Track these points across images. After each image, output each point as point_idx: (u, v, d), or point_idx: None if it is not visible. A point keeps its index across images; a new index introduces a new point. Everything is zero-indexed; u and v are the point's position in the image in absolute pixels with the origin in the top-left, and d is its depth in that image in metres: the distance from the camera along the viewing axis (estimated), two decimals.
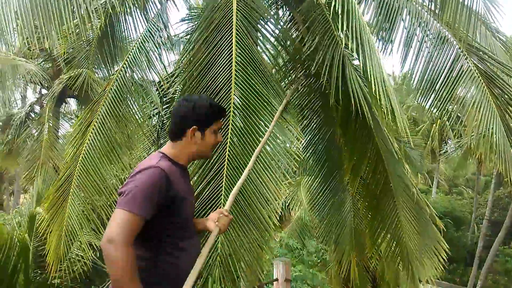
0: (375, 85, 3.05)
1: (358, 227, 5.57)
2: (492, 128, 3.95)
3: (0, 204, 22.71)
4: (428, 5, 3.97)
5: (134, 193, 1.66)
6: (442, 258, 4.79)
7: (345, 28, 3.26)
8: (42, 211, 6.30)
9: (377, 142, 4.27)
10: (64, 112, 11.94)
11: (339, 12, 3.35)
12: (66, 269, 4.96)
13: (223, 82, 3.50)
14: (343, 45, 3.55)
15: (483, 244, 20.14)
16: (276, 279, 4.55)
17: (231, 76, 3.48)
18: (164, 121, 5.70)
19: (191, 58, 3.73)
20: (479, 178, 31.92)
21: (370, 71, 3.08)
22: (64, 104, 11.74)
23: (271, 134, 3.27)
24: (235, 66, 3.48)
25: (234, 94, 3.42)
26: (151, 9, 4.76)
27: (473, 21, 3.73)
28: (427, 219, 4.87)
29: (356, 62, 4.33)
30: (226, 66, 3.53)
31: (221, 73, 3.53)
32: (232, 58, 3.50)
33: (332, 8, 3.46)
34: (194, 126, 1.94)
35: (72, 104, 12.94)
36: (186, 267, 1.80)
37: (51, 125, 10.11)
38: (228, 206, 2.26)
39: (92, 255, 6.85)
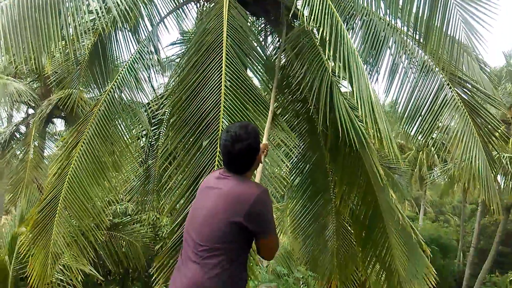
0: (361, 106, 3.10)
1: (339, 251, 5.51)
2: (475, 156, 4.03)
3: None
4: (413, 34, 4.08)
5: (270, 218, 2.05)
6: (432, 284, 4.77)
7: (332, 52, 3.32)
8: (24, 231, 6.17)
9: (367, 169, 4.30)
10: (50, 132, 11.83)
11: (327, 38, 3.41)
12: None
13: (212, 105, 3.53)
14: (331, 71, 3.62)
15: (470, 272, 20.13)
16: None
17: (220, 100, 3.51)
18: (152, 143, 5.69)
19: (181, 81, 3.77)
20: (465, 205, 32.14)
21: (357, 93, 3.14)
22: (50, 124, 11.65)
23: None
24: (225, 90, 3.52)
25: (223, 118, 3.45)
26: (142, 31, 4.82)
27: (456, 51, 3.85)
28: (415, 244, 4.87)
29: (344, 90, 4.41)
30: (216, 89, 3.56)
31: (210, 96, 3.56)
32: (221, 82, 3.54)
33: (319, 34, 3.54)
34: (260, 153, 2.17)
35: (58, 125, 12.86)
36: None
37: (36, 145, 10.00)
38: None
39: (73, 279, 6.70)
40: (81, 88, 5.53)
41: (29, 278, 4.42)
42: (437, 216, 40.58)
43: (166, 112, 5.25)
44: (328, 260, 5.54)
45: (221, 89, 3.53)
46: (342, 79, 3.34)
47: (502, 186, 13.17)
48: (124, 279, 9.00)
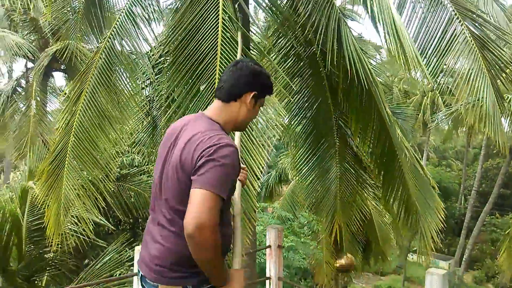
0: (384, 26, 2.98)
1: (342, 193, 5.64)
2: (483, 94, 3.97)
3: None
4: None
5: (219, 174, 1.57)
6: (441, 217, 4.95)
7: None
8: (35, 186, 6.27)
9: (379, 109, 4.27)
10: (52, 86, 11.71)
11: None
12: (64, 243, 4.98)
13: (209, 48, 3.41)
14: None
15: (471, 215, 20.63)
16: (269, 246, 4.61)
17: (217, 42, 3.40)
18: (157, 92, 5.63)
19: (177, 22, 3.60)
20: (468, 150, 32.36)
21: (378, 14, 3.00)
22: (51, 78, 11.50)
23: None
24: (222, 31, 3.40)
25: (220, 61, 3.36)
26: None
27: None
28: (425, 181, 4.97)
29: (351, 24, 4.27)
30: (213, 31, 3.43)
31: (207, 38, 3.44)
32: (218, 22, 3.41)
33: None
34: (255, 92, 1.84)
35: (60, 78, 12.73)
36: (229, 235, 1.86)
37: (38, 99, 9.92)
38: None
39: (86, 228, 6.90)
40: (78, 38, 5.38)
41: (45, 228, 4.54)
42: (440, 161, 40.99)
43: (167, 60, 5.15)
44: (331, 203, 5.67)
45: (218, 31, 3.41)
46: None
47: (506, 128, 13.15)
48: (134, 227, 9.26)
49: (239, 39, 3.20)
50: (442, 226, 5.27)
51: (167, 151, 1.77)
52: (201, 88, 3.43)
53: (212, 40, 3.44)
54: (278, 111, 3.38)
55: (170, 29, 3.70)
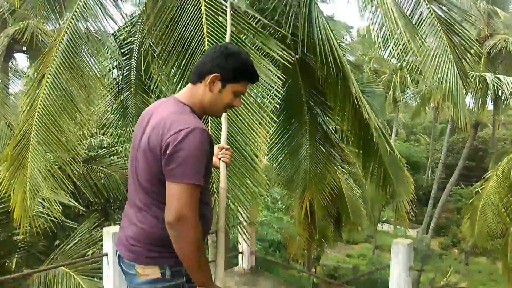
0: None
1: (313, 170, 5.76)
2: (447, 74, 4.07)
3: None
4: None
5: (191, 164, 1.55)
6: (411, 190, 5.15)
7: None
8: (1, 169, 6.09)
9: (351, 90, 4.33)
10: (14, 68, 11.23)
11: None
12: (33, 225, 4.90)
13: (194, 31, 3.36)
14: None
15: (438, 186, 21.36)
16: (241, 222, 4.69)
17: (202, 24, 3.34)
18: (125, 74, 5.49)
19: (160, 9, 3.50)
20: (436, 125, 33.30)
21: None
22: (13, 60, 11.02)
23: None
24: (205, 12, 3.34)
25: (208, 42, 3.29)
26: None
27: None
28: (395, 157, 5.14)
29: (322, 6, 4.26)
30: (196, 13, 3.37)
31: (191, 22, 3.38)
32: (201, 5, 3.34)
33: None
34: (217, 74, 1.70)
35: (21, 60, 12.26)
36: (210, 216, 1.83)
37: (0, 81, 9.53)
38: (224, 141, 2.21)
39: (55, 211, 6.80)
40: (38, 18, 5.13)
41: (12, 212, 4.46)
42: (409, 136, 42.12)
43: (137, 41, 5.01)
44: (302, 178, 5.79)
45: (201, 13, 3.34)
46: None
47: (471, 105, 13.56)
48: (106, 208, 9.18)
49: (228, 18, 3.09)
50: (412, 196, 5.54)
51: (139, 135, 1.75)
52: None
53: (197, 23, 3.37)
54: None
55: (156, 14, 3.56)
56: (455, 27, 3.95)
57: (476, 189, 10.68)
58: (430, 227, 20.64)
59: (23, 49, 10.50)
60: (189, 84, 1.80)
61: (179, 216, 1.51)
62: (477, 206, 9.72)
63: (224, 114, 2.28)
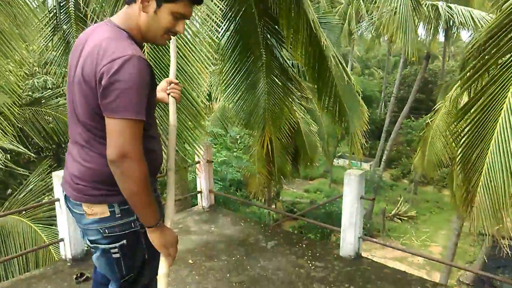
0: None
1: (271, 106, 5.69)
2: (399, 5, 4.01)
3: None
4: None
5: (130, 97, 1.41)
6: (365, 120, 5.25)
7: None
8: None
9: (307, 14, 4.18)
10: None
11: None
12: None
13: None
14: None
15: (390, 119, 22.13)
16: (198, 162, 4.64)
17: None
18: (63, 4, 5.03)
19: None
20: (389, 58, 33.83)
21: None
22: None
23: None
24: None
25: None
26: None
27: None
28: (351, 87, 5.15)
29: None
30: None
31: None
32: None
33: None
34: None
35: None
36: (160, 151, 1.75)
37: None
38: (173, 75, 2.05)
39: (2, 158, 6.46)
40: None
41: None
42: (363, 70, 42.72)
43: None
44: (260, 116, 5.72)
45: None
46: None
47: (422, 36, 13.73)
48: (58, 153, 8.85)
49: None
50: (367, 128, 5.66)
51: (74, 66, 1.57)
52: None
53: None
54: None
55: None
56: None
57: (426, 121, 11.09)
58: (382, 160, 21.63)
59: None
60: (124, 7, 1.61)
61: (121, 153, 1.42)
62: (427, 137, 10.14)
63: (173, 44, 2.13)
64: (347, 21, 23.26)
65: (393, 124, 21.62)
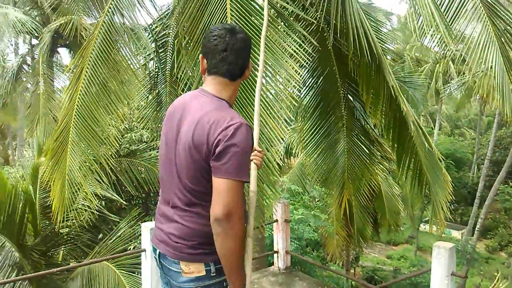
0: None
1: (351, 166, 5.60)
2: (493, 64, 3.83)
3: (5, 159, 23.01)
4: None
5: (240, 160, 1.56)
6: (449, 190, 4.93)
7: None
8: (44, 161, 6.34)
9: (388, 80, 4.16)
10: (59, 63, 11.65)
11: None
12: (74, 219, 5.05)
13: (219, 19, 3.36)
14: None
15: (484, 184, 20.42)
16: (276, 220, 4.63)
17: (226, 13, 3.33)
18: (162, 67, 5.57)
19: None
20: (482, 118, 31.79)
21: None
22: (57, 54, 11.43)
23: (270, 70, 3.19)
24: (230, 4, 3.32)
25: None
26: None
27: None
28: (432, 153, 4.92)
29: None
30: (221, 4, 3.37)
31: (216, 12, 3.38)
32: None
33: None
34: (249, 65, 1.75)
35: (65, 54, 12.71)
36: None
37: (46, 76, 9.90)
38: (256, 142, 2.13)
39: (98, 204, 7.00)
40: (79, 13, 5.31)
41: (51, 205, 4.61)
42: (453, 130, 40.45)
43: (171, 34, 5.06)
44: (339, 176, 5.63)
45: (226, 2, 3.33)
46: None
47: None
48: (147, 202, 9.39)
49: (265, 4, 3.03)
50: (453, 196, 5.26)
51: (174, 131, 1.71)
52: None
53: (222, 12, 3.36)
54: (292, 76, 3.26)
55: (183, 3, 3.58)
56: (500, 11, 3.70)
57: None
58: (476, 228, 19.76)
59: (67, 43, 10.82)
60: (219, 78, 1.73)
61: (228, 212, 1.51)
62: None
63: (256, 111, 2.21)
64: (434, 79, 22.57)
65: (488, 189, 19.88)
